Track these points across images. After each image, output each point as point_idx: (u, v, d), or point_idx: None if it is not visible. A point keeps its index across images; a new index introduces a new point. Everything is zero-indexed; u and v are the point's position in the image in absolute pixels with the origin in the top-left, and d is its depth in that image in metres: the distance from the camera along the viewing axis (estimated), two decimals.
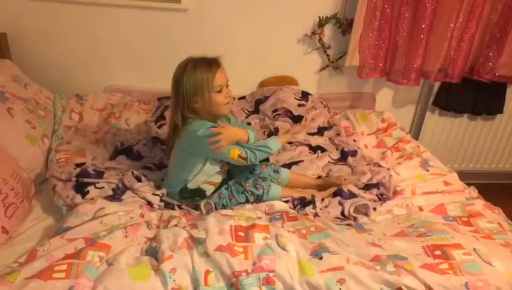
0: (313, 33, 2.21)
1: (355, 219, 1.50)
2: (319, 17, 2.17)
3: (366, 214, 1.52)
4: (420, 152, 1.92)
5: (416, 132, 2.58)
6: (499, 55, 2.19)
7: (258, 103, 2.20)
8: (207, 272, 1.16)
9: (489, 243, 1.34)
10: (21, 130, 1.62)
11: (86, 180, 1.50)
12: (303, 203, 1.54)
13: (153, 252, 1.22)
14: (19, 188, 1.41)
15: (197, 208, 1.50)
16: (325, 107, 2.25)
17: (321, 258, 1.20)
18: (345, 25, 2.20)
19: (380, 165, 1.78)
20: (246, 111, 2.19)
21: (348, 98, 2.44)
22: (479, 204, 1.57)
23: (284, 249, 1.22)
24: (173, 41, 2.18)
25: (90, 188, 1.48)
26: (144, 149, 1.77)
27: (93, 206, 1.38)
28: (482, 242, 1.33)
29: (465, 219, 1.49)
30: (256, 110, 2.19)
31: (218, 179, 1.58)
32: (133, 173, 1.56)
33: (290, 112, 2.12)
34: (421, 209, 1.56)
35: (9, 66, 1.96)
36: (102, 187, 1.50)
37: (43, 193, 1.55)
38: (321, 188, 1.69)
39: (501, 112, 2.45)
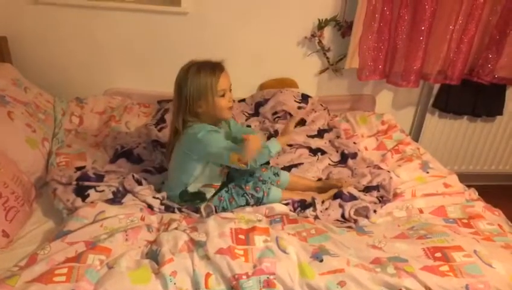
0: (313, 36, 2.22)
1: (355, 221, 1.50)
2: (319, 20, 2.18)
3: (367, 217, 1.52)
4: (420, 154, 1.92)
5: (416, 133, 2.58)
6: (498, 57, 2.19)
7: (258, 105, 2.20)
8: (207, 275, 1.16)
9: (489, 245, 1.34)
10: (21, 134, 1.62)
11: (87, 183, 1.50)
12: (303, 205, 1.54)
13: (153, 255, 1.22)
14: (20, 191, 1.41)
15: (197, 211, 1.50)
16: (325, 109, 2.25)
17: (321, 260, 1.20)
18: (344, 28, 2.21)
19: (380, 168, 1.79)
20: (245, 114, 2.19)
21: (347, 100, 2.44)
22: (479, 206, 1.57)
23: (284, 251, 1.22)
24: (173, 45, 2.19)
25: (91, 192, 1.48)
26: (144, 152, 1.77)
27: (94, 210, 1.39)
28: (483, 244, 1.33)
29: (466, 221, 1.48)
30: (256, 113, 2.20)
31: (218, 181, 1.58)
32: (133, 176, 1.56)
33: (290, 114, 2.12)
34: (421, 211, 1.56)
35: (10, 70, 1.96)
36: (103, 190, 1.50)
37: (44, 196, 1.55)
38: (321, 190, 1.69)
39: (501, 113, 2.45)
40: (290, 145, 1.94)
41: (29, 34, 2.13)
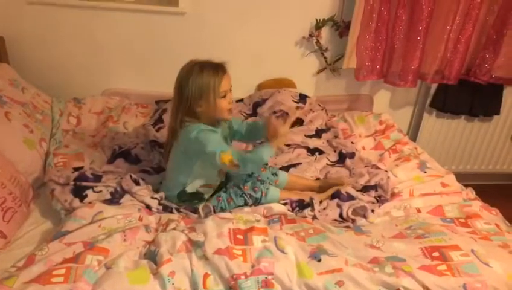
0: (311, 36, 2.22)
1: (353, 221, 1.50)
2: (316, 20, 2.18)
3: (364, 216, 1.52)
4: (418, 154, 1.93)
5: (413, 133, 2.59)
6: (495, 57, 2.20)
7: (256, 105, 2.20)
8: (206, 275, 1.16)
9: (486, 244, 1.34)
10: (19, 134, 1.62)
11: (84, 184, 1.50)
12: (301, 205, 1.54)
13: (151, 255, 1.22)
14: (17, 192, 1.41)
15: (196, 211, 1.50)
16: (322, 109, 2.26)
17: (320, 260, 1.21)
18: (342, 28, 2.21)
19: (377, 167, 1.79)
20: (243, 114, 2.19)
21: (345, 100, 2.44)
22: (477, 205, 1.58)
23: (282, 251, 1.22)
24: (171, 45, 2.19)
25: (89, 192, 1.48)
26: (142, 152, 1.77)
27: (92, 210, 1.38)
28: (480, 243, 1.33)
29: (463, 220, 1.49)
30: (254, 113, 2.19)
31: (217, 182, 1.58)
32: (131, 176, 1.56)
33: (288, 114, 2.12)
34: (418, 211, 1.56)
35: (7, 70, 1.96)
36: (101, 191, 1.50)
37: (41, 197, 1.55)
38: (321, 189, 1.69)
39: (498, 113, 2.46)
40: (288, 145, 1.94)
41: (26, 34, 2.12)
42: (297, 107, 2.18)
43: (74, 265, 1.13)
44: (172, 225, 1.33)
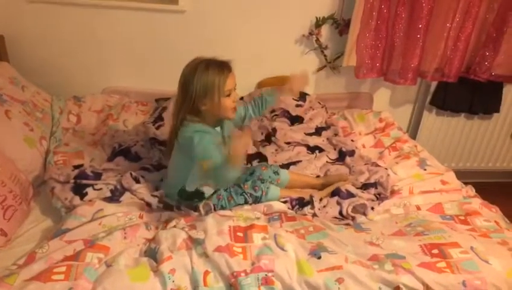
0: (310, 34, 2.22)
1: (353, 218, 1.50)
2: (316, 18, 2.18)
3: (364, 214, 1.53)
4: (417, 151, 1.93)
5: (413, 131, 2.59)
6: (495, 55, 2.20)
7: None
8: (206, 273, 1.16)
9: (486, 241, 1.34)
10: (19, 133, 1.62)
11: (84, 182, 1.50)
12: (301, 203, 1.55)
13: (152, 253, 1.22)
14: (17, 190, 1.41)
15: (196, 209, 1.50)
16: (322, 107, 2.26)
17: (319, 257, 1.21)
18: (342, 26, 2.21)
19: (377, 165, 1.79)
20: None
21: (345, 98, 2.44)
22: (476, 203, 1.58)
23: (282, 249, 1.23)
24: (171, 43, 2.19)
25: (89, 190, 1.48)
26: (142, 150, 1.77)
27: (92, 208, 1.39)
28: (479, 240, 1.34)
29: (463, 218, 1.49)
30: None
31: None
32: (131, 174, 1.57)
33: (288, 112, 2.13)
34: (418, 208, 1.57)
35: (7, 68, 1.96)
36: (101, 189, 1.50)
37: (42, 195, 1.55)
38: (323, 187, 1.69)
39: (497, 111, 2.46)
40: (288, 143, 1.94)
41: (26, 33, 2.12)
42: (297, 105, 2.18)
43: (75, 263, 1.13)
44: (173, 223, 1.34)
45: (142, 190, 1.52)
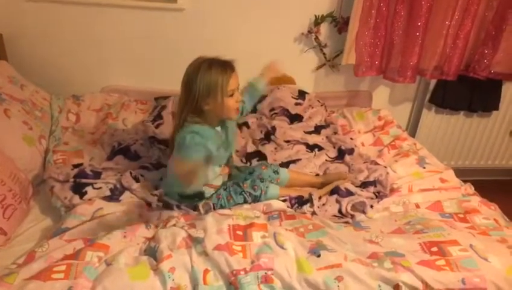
0: (309, 32, 2.22)
1: (352, 216, 1.50)
2: (315, 16, 2.18)
3: (363, 212, 1.53)
4: (417, 149, 1.93)
5: (412, 129, 2.59)
6: (494, 53, 2.20)
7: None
8: (206, 271, 1.16)
9: (485, 239, 1.35)
10: (18, 131, 1.62)
11: (84, 181, 1.50)
12: (300, 202, 1.55)
13: (151, 251, 1.22)
14: (17, 189, 1.41)
15: (196, 208, 1.50)
16: (322, 105, 2.26)
17: (319, 255, 1.21)
18: (341, 24, 2.21)
19: (376, 163, 1.79)
20: None
21: (344, 96, 2.44)
22: (475, 201, 1.58)
23: (282, 247, 1.23)
24: (170, 41, 2.18)
25: (88, 189, 1.48)
26: (142, 149, 1.77)
27: (91, 207, 1.39)
28: (478, 238, 1.34)
29: (462, 216, 1.49)
30: (253, 110, 2.19)
31: (219, 182, 1.57)
32: (130, 173, 1.56)
33: (287, 110, 2.13)
34: (417, 206, 1.57)
35: (6, 67, 1.95)
36: (100, 188, 1.50)
37: (41, 194, 1.55)
38: (322, 185, 1.69)
39: (497, 108, 2.46)
40: (288, 142, 1.94)
41: (24, 31, 2.12)
42: (297, 104, 2.18)
43: (74, 261, 1.13)
44: (172, 222, 1.34)
45: (142, 189, 1.51)
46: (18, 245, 1.30)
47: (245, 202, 1.53)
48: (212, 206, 1.51)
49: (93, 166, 1.60)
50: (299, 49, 2.29)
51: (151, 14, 2.12)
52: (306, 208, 1.51)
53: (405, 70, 2.21)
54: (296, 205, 1.54)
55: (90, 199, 1.44)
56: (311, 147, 1.93)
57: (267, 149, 1.88)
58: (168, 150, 1.71)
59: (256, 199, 1.54)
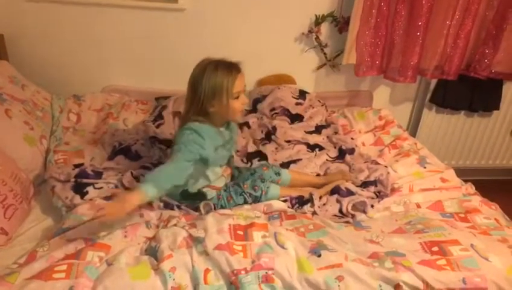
0: (310, 31, 2.22)
1: (353, 216, 1.50)
2: (316, 16, 2.18)
3: (364, 212, 1.53)
4: (417, 149, 1.93)
5: (413, 129, 2.59)
6: (495, 52, 2.20)
7: (256, 102, 2.21)
8: (206, 271, 1.16)
9: (486, 238, 1.35)
10: (19, 131, 1.62)
11: (85, 180, 1.50)
12: (301, 201, 1.55)
13: (152, 251, 1.22)
14: (18, 189, 1.41)
15: (197, 208, 1.50)
16: (322, 105, 2.26)
17: (319, 255, 1.21)
18: (341, 23, 2.21)
19: (377, 163, 1.79)
20: (243, 110, 2.19)
21: (345, 96, 2.44)
22: (476, 200, 1.58)
23: (282, 247, 1.23)
24: (171, 41, 2.19)
25: (89, 189, 1.48)
26: (142, 149, 1.77)
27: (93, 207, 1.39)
28: (479, 238, 1.34)
29: (462, 215, 1.49)
30: (254, 109, 2.20)
31: (221, 183, 1.56)
32: (131, 173, 1.57)
33: (288, 110, 2.13)
34: (418, 206, 1.57)
35: (6, 67, 1.96)
36: (101, 187, 1.50)
37: (42, 194, 1.55)
38: (323, 186, 1.69)
39: (497, 108, 2.46)
40: (288, 142, 1.94)
41: (25, 32, 2.12)
42: (297, 104, 2.18)
43: (75, 261, 1.13)
44: (173, 221, 1.34)
45: None
46: (19, 245, 1.30)
47: (245, 202, 1.53)
48: (212, 207, 1.51)
49: (94, 166, 1.61)
50: (300, 49, 2.29)
51: (152, 14, 2.12)
52: (307, 208, 1.51)
53: (406, 70, 2.21)
54: (297, 205, 1.54)
55: (91, 199, 1.44)
56: (312, 147, 1.93)
57: (268, 149, 1.88)
58: (169, 150, 1.71)
59: (256, 200, 1.54)
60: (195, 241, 1.23)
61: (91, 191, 1.48)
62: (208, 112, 1.40)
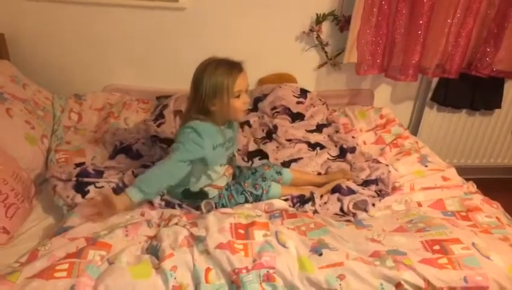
0: (311, 30, 2.22)
1: (354, 215, 1.50)
2: (317, 14, 2.18)
3: (365, 210, 1.53)
4: (419, 148, 1.93)
5: (414, 127, 2.59)
6: (496, 51, 2.20)
7: (257, 100, 2.20)
8: (207, 270, 1.16)
9: (487, 237, 1.34)
10: (20, 131, 1.63)
11: (86, 179, 1.50)
12: (302, 200, 1.55)
13: (153, 250, 1.23)
14: (19, 188, 1.41)
15: (198, 207, 1.51)
16: (323, 104, 2.26)
17: (321, 254, 1.21)
18: (342, 22, 2.20)
19: (378, 162, 1.79)
20: None
21: (346, 94, 2.44)
22: (478, 199, 1.58)
23: (283, 245, 1.23)
24: (171, 40, 2.19)
25: (91, 188, 1.48)
26: (143, 148, 1.77)
27: None
28: (481, 236, 1.33)
29: (464, 214, 1.49)
30: (255, 108, 2.20)
31: (223, 183, 1.56)
32: (133, 172, 1.57)
33: (289, 109, 2.13)
34: (419, 204, 1.57)
35: (8, 67, 1.96)
36: (102, 186, 1.51)
37: (43, 193, 1.56)
38: (324, 184, 1.69)
39: (499, 107, 2.45)
40: (289, 140, 1.94)
41: (26, 31, 2.12)
42: (298, 102, 2.18)
43: (77, 260, 1.13)
44: (175, 220, 1.34)
45: None
46: (21, 244, 1.31)
47: (246, 201, 1.53)
48: (214, 206, 1.51)
49: (95, 165, 1.61)
50: (301, 48, 2.29)
51: (153, 14, 2.12)
52: (308, 206, 1.51)
53: (407, 68, 2.21)
54: (298, 203, 1.54)
55: (92, 198, 1.44)
56: (313, 146, 1.93)
57: (269, 148, 1.88)
58: (170, 149, 1.71)
59: (257, 198, 1.54)
60: (197, 240, 1.23)
61: (92, 190, 1.48)
62: (210, 111, 1.40)
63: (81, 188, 1.47)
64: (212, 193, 1.53)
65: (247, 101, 1.44)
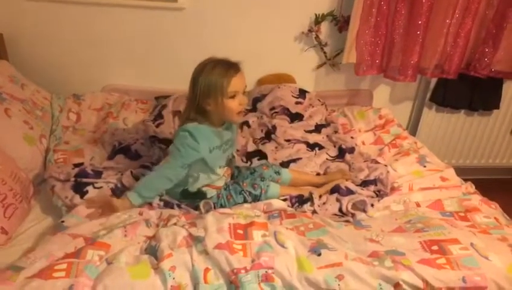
0: (310, 31, 2.22)
1: (353, 215, 1.50)
2: (316, 15, 2.18)
3: (364, 211, 1.53)
4: (417, 148, 1.93)
5: (413, 128, 2.59)
6: (495, 51, 2.20)
7: (256, 101, 2.21)
8: (206, 270, 1.16)
9: (486, 237, 1.35)
10: (19, 131, 1.62)
11: (85, 180, 1.50)
12: (301, 200, 1.55)
13: (152, 250, 1.22)
14: (18, 188, 1.41)
15: (197, 207, 1.50)
16: (322, 104, 2.26)
17: (319, 254, 1.21)
18: (341, 22, 2.21)
19: (377, 162, 1.79)
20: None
21: (345, 95, 2.44)
22: (476, 199, 1.58)
23: (282, 246, 1.23)
24: (170, 41, 2.18)
25: (89, 188, 1.48)
26: (142, 148, 1.77)
27: None
28: (479, 237, 1.34)
29: (462, 214, 1.49)
30: (254, 108, 2.20)
31: (221, 183, 1.56)
32: (131, 172, 1.57)
33: (288, 109, 2.13)
34: (418, 205, 1.57)
35: (6, 67, 1.96)
36: (101, 187, 1.50)
37: (42, 193, 1.56)
38: (323, 185, 1.70)
39: (497, 107, 2.46)
40: (288, 141, 1.94)
41: (25, 31, 2.12)
42: (297, 102, 2.18)
43: (75, 260, 1.13)
44: (173, 220, 1.34)
45: None
46: (19, 244, 1.30)
47: (245, 201, 1.53)
48: (212, 206, 1.51)
49: (93, 165, 1.60)
50: (300, 48, 2.29)
51: (152, 14, 2.12)
52: (306, 207, 1.51)
53: (406, 69, 2.21)
54: (297, 204, 1.54)
55: (92, 200, 1.44)
56: (312, 146, 1.93)
57: (268, 148, 1.88)
58: (168, 150, 1.71)
59: (256, 198, 1.54)
60: (195, 240, 1.23)
61: (91, 191, 1.48)
62: (206, 111, 1.41)
63: (79, 188, 1.47)
64: (211, 193, 1.53)
65: (243, 102, 1.44)
